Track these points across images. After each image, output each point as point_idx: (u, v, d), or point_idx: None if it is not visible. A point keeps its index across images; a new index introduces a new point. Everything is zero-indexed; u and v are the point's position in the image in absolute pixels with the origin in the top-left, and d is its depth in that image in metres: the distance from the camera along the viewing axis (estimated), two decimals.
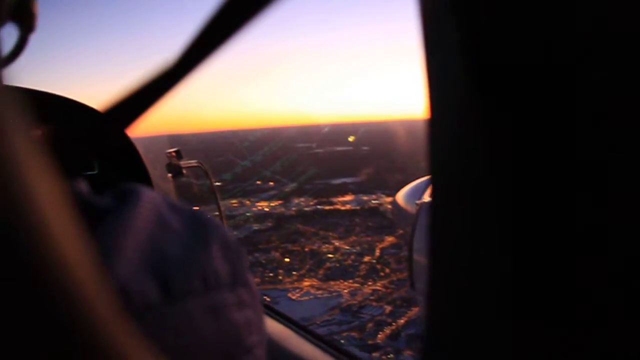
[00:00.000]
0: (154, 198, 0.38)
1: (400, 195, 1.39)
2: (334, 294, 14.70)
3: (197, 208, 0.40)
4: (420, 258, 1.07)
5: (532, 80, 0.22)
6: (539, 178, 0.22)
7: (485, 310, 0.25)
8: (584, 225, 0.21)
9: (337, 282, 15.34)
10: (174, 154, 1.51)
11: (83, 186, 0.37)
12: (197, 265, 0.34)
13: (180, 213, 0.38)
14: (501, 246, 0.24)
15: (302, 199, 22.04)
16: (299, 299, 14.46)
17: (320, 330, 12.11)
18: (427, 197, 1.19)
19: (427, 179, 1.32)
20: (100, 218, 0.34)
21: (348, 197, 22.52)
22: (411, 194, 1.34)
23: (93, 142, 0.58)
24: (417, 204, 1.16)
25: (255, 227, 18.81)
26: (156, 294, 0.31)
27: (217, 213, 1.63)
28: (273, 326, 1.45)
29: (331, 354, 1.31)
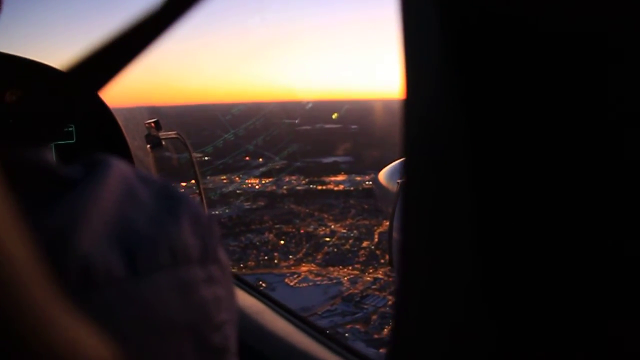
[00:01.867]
0: (124, 169, 0.37)
1: (382, 175, 1.37)
2: (334, 281, 13.87)
3: (170, 181, 0.39)
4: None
5: (510, 62, 0.22)
6: (516, 161, 0.22)
7: (455, 300, 0.25)
8: (562, 211, 0.21)
9: (336, 269, 14.51)
10: (153, 124, 1.50)
11: (49, 156, 0.35)
12: (165, 239, 0.33)
13: (150, 185, 0.37)
14: (475, 234, 0.24)
15: (293, 177, 21.09)
16: (297, 285, 13.61)
17: (323, 322, 11.33)
18: None
19: None
20: (66, 189, 0.33)
21: (341, 177, 21.65)
22: (393, 173, 1.33)
23: (63, 107, 0.46)
24: (398, 183, 1.16)
25: (247, 205, 17.84)
26: (121, 268, 0.30)
27: (197, 191, 1.63)
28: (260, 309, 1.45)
29: (325, 344, 1.28)
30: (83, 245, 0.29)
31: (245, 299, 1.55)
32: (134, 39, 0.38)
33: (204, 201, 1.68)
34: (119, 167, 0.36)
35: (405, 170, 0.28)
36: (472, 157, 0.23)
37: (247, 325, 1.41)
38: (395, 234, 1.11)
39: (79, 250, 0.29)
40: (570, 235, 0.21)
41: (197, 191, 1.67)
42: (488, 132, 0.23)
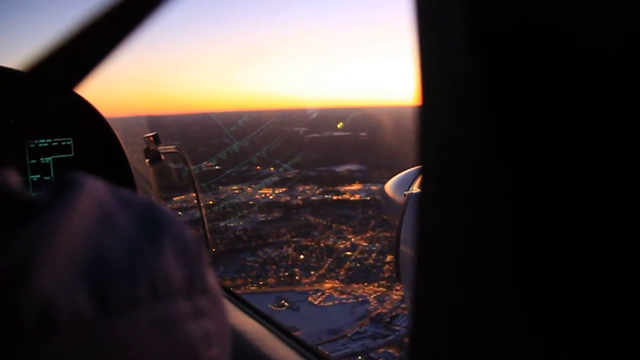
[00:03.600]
0: (99, 190, 0.33)
1: (389, 186, 1.36)
2: (360, 299, 13.02)
3: (158, 200, 0.38)
4: (406, 249, 1.07)
5: (536, 68, 0.21)
6: (539, 171, 0.22)
7: (476, 310, 0.24)
8: (586, 223, 0.21)
9: (361, 286, 13.66)
10: (151, 138, 1.47)
11: (12, 179, 0.31)
12: (144, 270, 0.30)
13: (130, 208, 0.33)
14: (496, 243, 0.23)
15: (307, 187, 20.23)
16: (322, 304, 12.74)
17: (354, 346, 10.44)
18: (415, 188, 1.20)
19: (415, 170, 1.29)
20: (28, 217, 0.29)
21: (356, 186, 20.81)
22: (399, 184, 1.32)
23: (33, 109, 0.46)
24: (405, 195, 1.15)
25: (261, 217, 16.97)
26: (89, 308, 0.27)
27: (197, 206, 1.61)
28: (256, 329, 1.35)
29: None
30: (43, 283, 0.26)
31: (245, 323, 1.39)
32: (103, 30, 0.32)
33: (204, 217, 1.59)
34: (92, 188, 0.32)
35: (422, 178, 0.26)
36: (495, 165, 0.22)
37: (247, 352, 1.24)
38: (402, 246, 1.05)
39: (38, 289, 0.25)
40: (599, 240, 0.20)
41: (198, 207, 1.62)
42: (512, 140, 0.21)
